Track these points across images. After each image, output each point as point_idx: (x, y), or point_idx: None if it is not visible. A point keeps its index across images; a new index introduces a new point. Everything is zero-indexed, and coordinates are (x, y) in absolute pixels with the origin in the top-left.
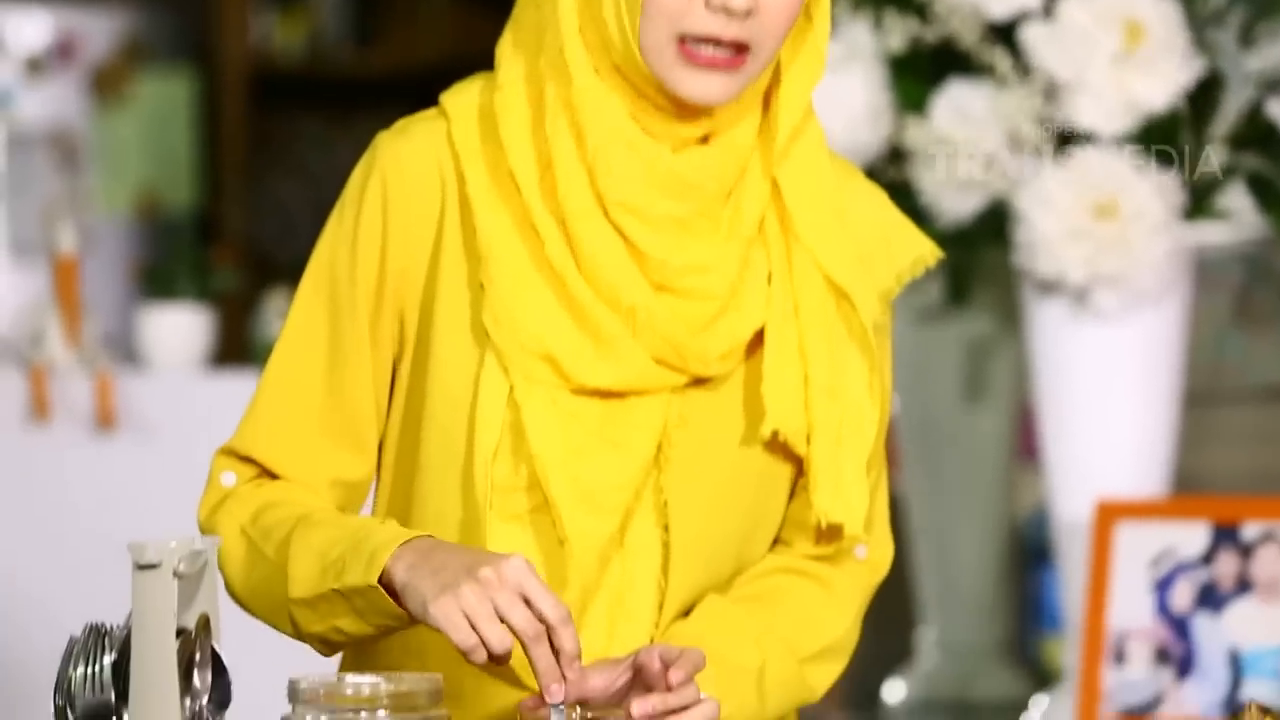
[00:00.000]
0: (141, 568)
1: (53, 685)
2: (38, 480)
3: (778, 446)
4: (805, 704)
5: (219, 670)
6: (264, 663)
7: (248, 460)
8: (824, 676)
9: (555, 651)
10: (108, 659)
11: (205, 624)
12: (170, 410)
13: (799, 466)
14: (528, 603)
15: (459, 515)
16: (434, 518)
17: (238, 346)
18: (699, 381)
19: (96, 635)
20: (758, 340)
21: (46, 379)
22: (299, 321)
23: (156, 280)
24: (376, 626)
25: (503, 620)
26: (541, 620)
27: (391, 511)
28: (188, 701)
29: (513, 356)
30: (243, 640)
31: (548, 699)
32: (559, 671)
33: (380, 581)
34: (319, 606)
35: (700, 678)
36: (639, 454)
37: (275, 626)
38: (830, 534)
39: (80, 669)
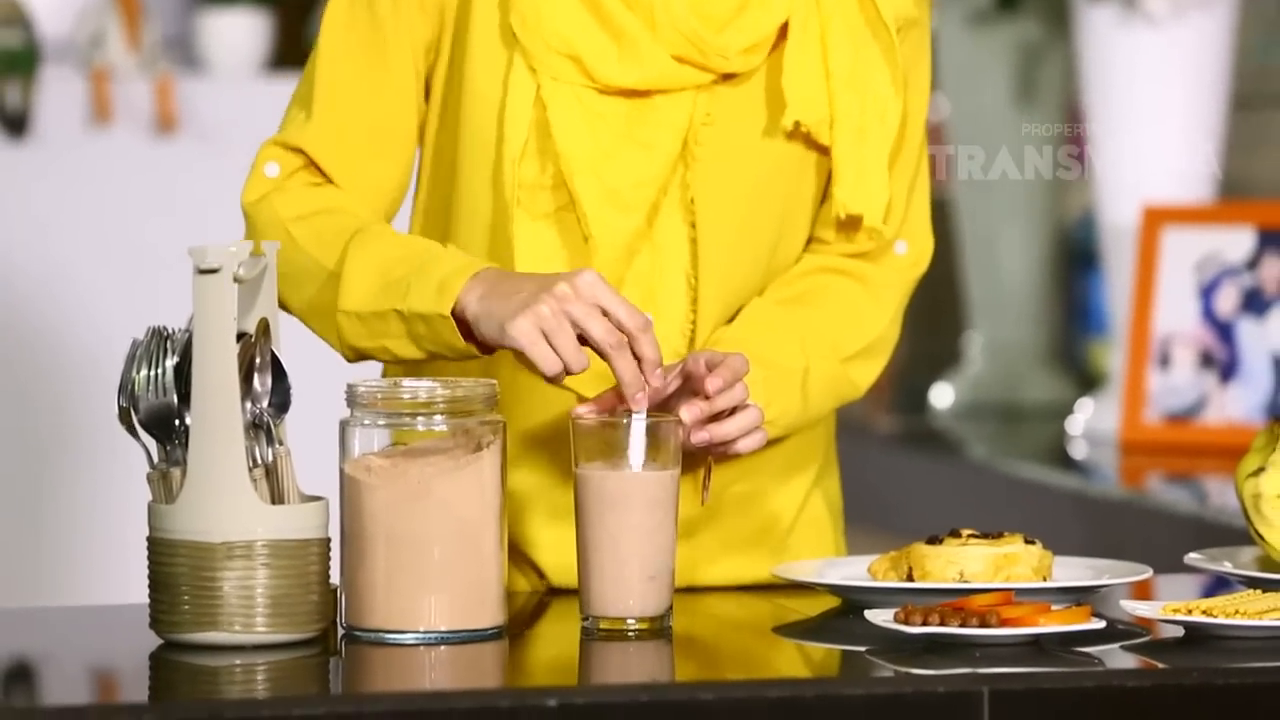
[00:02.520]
0: (202, 272)
1: (116, 387)
2: (99, 183)
3: (804, 141)
4: (849, 401)
5: (279, 374)
6: (323, 367)
7: (296, 151)
8: (866, 373)
9: (636, 359)
10: (170, 362)
11: (265, 328)
12: (230, 113)
13: (827, 164)
14: (606, 314)
15: (489, 214)
16: (467, 217)
17: (296, 49)
18: (725, 78)
19: (159, 338)
20: (783, 36)
21: (107, 82)
22: (341, 21)
23: None
24: (427, 353)
25: (581, 333)
26: (621, 329)
27: (429, 213)
28: (248, 404)
29: (539, 56)
30: (302, 345)
31: (633, 408)
32: (642, 380)
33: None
34: (372, 323)
35: (748, 381)
36: (664, 152)
37: (306, 323)
38: (850, 225)
39: (143, 371)
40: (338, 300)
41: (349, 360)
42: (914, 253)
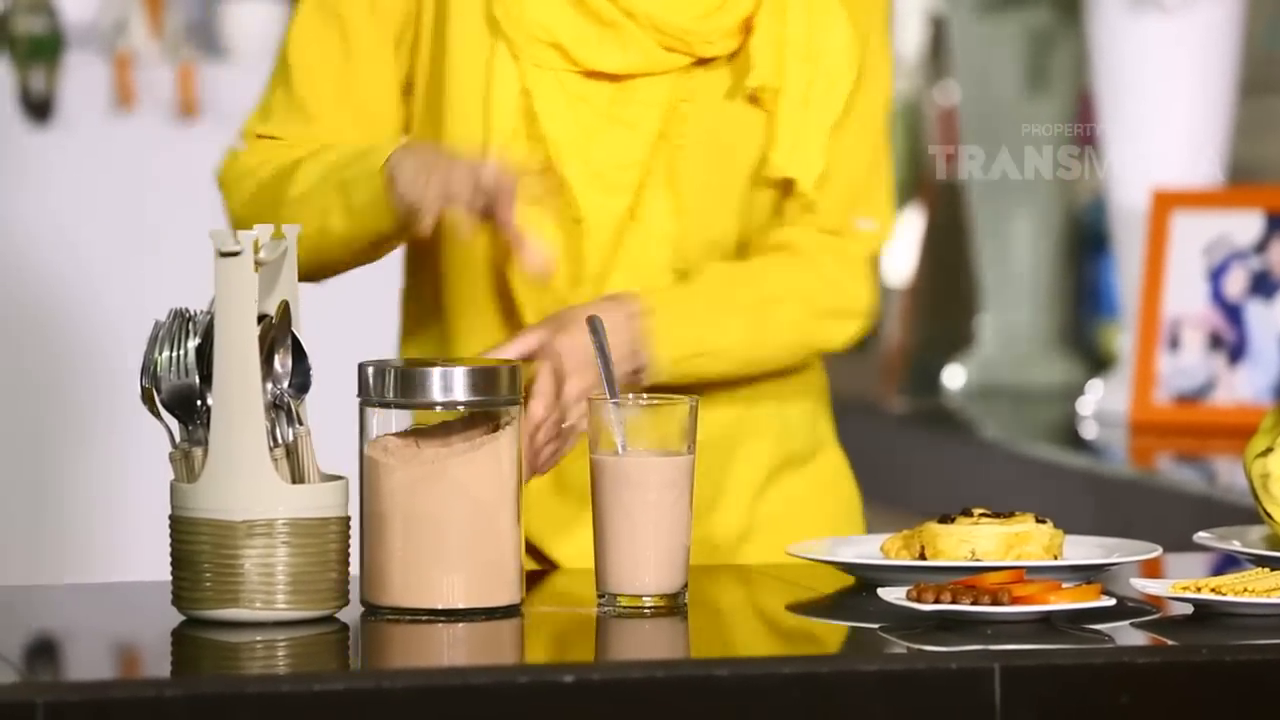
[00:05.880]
0: (223, 255)
1: (139, 369)
2: (122, 167)
3: (764, 108)
4: (818, 352)
5: (299, 355)
6: (344, 348)
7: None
8: (841, 332)
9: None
10: (192, 343)
11: (286, 310)
12: (250, 98)
13: None
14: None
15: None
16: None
17: None
18: (701, 62)
19: (181, 320)
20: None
21: (130, 67)
22: (308, 20)
23: None
24: (363, 226)
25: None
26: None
27: None
28: (269, 385)
29: (522, 45)
30: (323, 326)
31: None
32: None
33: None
34: (313, 200)
35: (686, 311)
36: (647, 132)
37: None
38: (785, 188)
39: (165, 353)
40: (287, 194)
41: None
42: (880, 227)
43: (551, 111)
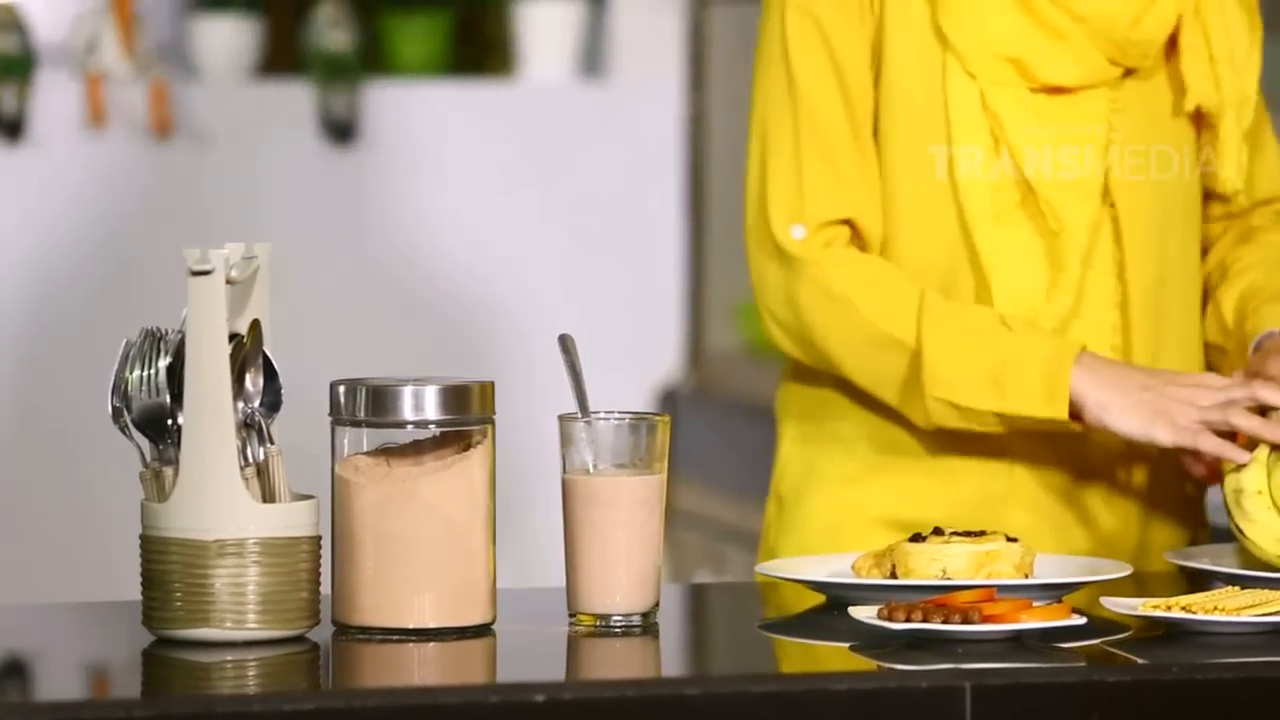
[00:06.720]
0: (195, 273)
1: (109, 387)
2: (94, 186)
3: (1192, 123)
4: None
5: (270, 374)
6: (314, 367)
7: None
8: None
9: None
10: (163, 362)
11: (257, 329)
12: (222, 117)
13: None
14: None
15: (952, 220)
16: (923, 229)
17: (287, 54)
18: (1127, 73)
19: (152, 339)
20: (1171, 36)
21: (102, 86)
22: (805, 73)
23: None
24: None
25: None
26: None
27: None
28: (240, 404)
29: (978, 60)
30: (293, 346)
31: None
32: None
33: None
34: (969, 416)
35: None
36: (1094, 142)
37: (871, 389)
38: (1220, 198)
39: (136, 372)
40: (925, 384)
41: (922, 426)
42: None
43: (1016, 125)
